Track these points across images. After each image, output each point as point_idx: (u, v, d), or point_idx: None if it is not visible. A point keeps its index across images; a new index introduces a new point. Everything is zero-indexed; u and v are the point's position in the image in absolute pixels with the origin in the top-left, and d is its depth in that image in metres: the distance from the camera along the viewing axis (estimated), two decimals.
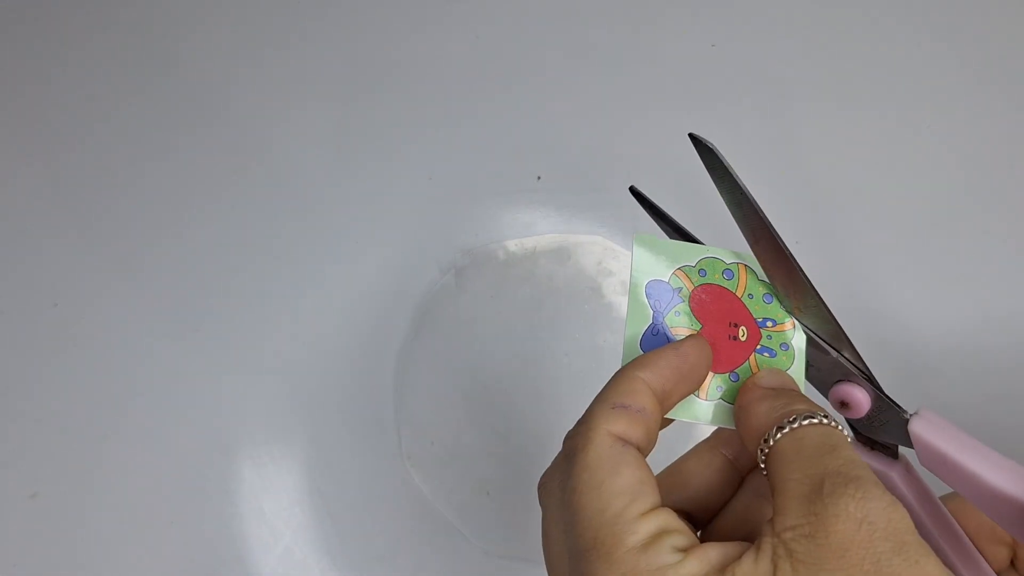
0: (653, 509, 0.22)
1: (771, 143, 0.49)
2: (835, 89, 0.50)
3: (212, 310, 0.46)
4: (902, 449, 0.27)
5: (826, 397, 0.28)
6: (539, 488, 0.26)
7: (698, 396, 0.27)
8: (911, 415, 0.26)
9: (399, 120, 0.49)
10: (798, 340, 0.28)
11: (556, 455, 0.25)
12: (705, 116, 0.49)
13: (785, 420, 0.23)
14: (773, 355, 0.28)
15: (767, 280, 0.28)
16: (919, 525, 0.27)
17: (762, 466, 0.23)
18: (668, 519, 0.22)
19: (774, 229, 0.26)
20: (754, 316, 0.28)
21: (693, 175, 0.49)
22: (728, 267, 0.28)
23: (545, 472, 0.25)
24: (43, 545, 0.43)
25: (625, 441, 0.23)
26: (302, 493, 0.44)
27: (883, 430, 0.27)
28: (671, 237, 0.30)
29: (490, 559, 0.42)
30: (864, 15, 0.51)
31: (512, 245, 0.46)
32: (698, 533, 0.27)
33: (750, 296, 0.28)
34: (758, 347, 0.27)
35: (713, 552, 0.21)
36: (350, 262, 0.47)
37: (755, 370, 0.27)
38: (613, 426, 0.23)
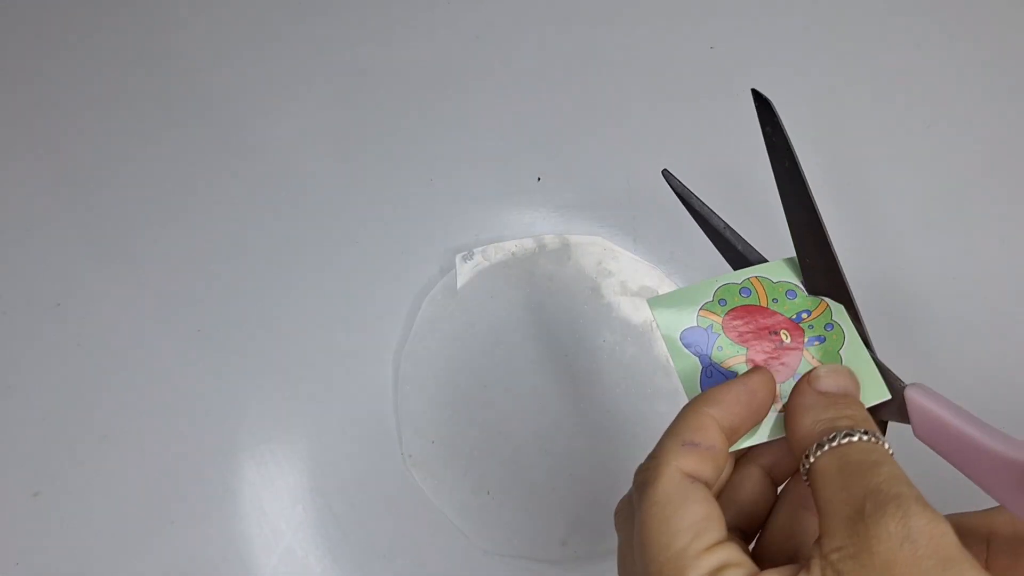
0: (717, 544, 0.22)
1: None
2: (835, 90, 0.49)
3: (213, 310, 0.46)
4: (893, 428, 0.28)
5: None
6: (615, 516, 0.27)
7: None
8: (907, 385, 0.26)
9: (400, 121, 0.49)
10: (838, 315, 0.28)
11: (630, 488, 0.26)
12: (705, 116, 0.49)
13: (825, 437, 0.23)
14: (823, 340, 0.28)
15: (785, 279, 0.28)
16: None
17: (804, 477, 0.24)
18: (730, 554, 0.22)
19: (814, 200, 0.26)
20: (788, 316, 0.28)
21: (692, 175, 0.50)
22: (742, 286, 0.28)
23: (620, 501, 0.26)
24: (45, 544, 0.43)
25: (694, 478, 0.24)
26: (303, 492, 0.44)
27: (880, 404, 0.27)
28: (702, 224, 0.30)
29: (490, 559, 0.42)
30: (864, 16, 0.50)
31: (512, 245, 0.46)
32: (750, 546, 0.28)
33: (775, 301, 0.28)
34: (806, 341, 0.28)
35: None
36: (350, 262, 0.47)
37: (813, 363, 0.27)
38: (683, 463, 0.24)
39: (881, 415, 0.27)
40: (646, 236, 0.46)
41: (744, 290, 0.29)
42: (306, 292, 0.47)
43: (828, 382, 0.26)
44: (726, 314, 0.28)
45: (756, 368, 0.27)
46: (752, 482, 0.27)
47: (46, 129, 0.50)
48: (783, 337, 0.28)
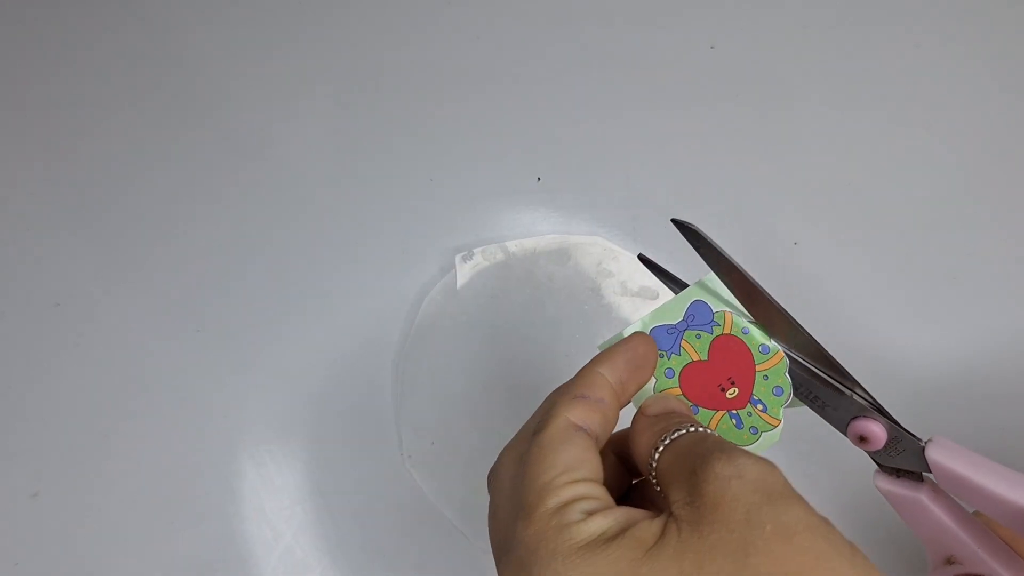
0: (581, 480, 0.24)
1: (771, 143, 0.49)
2: (834, 90, 0.49)
3: (213, 310, 0.46)
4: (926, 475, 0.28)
5: (845, 434, 0.29)
6: (488, 479, 0.29)
7: (654, 393, 0.30)
8: (926, 442, 0.27)
9: (400, 122, 0.49)
10: (770, 436, 0.29)
11: (515, 435, 0.28)
12: (705, 117, 0.49)
13: (659, 439, 0.25)
14: (779, 393, 0.29)
15: (794, 375, 0.29)
16: (960, 542, 0.28)
17: (655, 484, 0.25)
18: (590, 488, 0.24)
19: (765, 290, 0.28)
20: (753, 391, 0.29)
21: (692, 175, 0.50)
22: (768, 345, 0.29)
23: (502, 451, 0.28)
24: (44, 544, 0.43)
25: (579, 427, 0.26)
26: (303, 493, 0.44)
27: (902, 458, 0.28)
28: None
29: (490, 559, 0.42)
30: (864, 17, 0.51)
31: (512, 246, 0.46)
32: None
33: (765, 377, 0.29)
34: (733, 411, 0.30)
35: (618, 514, 0.23)
36: (351, 262, 0.47)
37: (715, 424, 0.30)
38: (572, 413, 0.26)
39: (909, 466, 0.28)
40: (646, 236, 0.46)
41: (764, 347, 0.29)
42: (306, 292, 0.46)
43: (655, 407, 0.28)
44: (734, 334, 0.30)
45: (638, 333, 0.30)
46: (608, 463, 0.29)
47: (46, 130, 0.50)
48: (731, 391, 0.30)
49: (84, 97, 0.50)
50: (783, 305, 0.28)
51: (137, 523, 0.43)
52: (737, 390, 0.29)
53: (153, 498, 0.43)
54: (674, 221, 0.28)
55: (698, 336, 0.30)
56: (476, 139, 0.49)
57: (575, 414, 0.26)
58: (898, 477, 0.29)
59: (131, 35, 0.51)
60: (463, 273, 0.46)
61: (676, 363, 0.30)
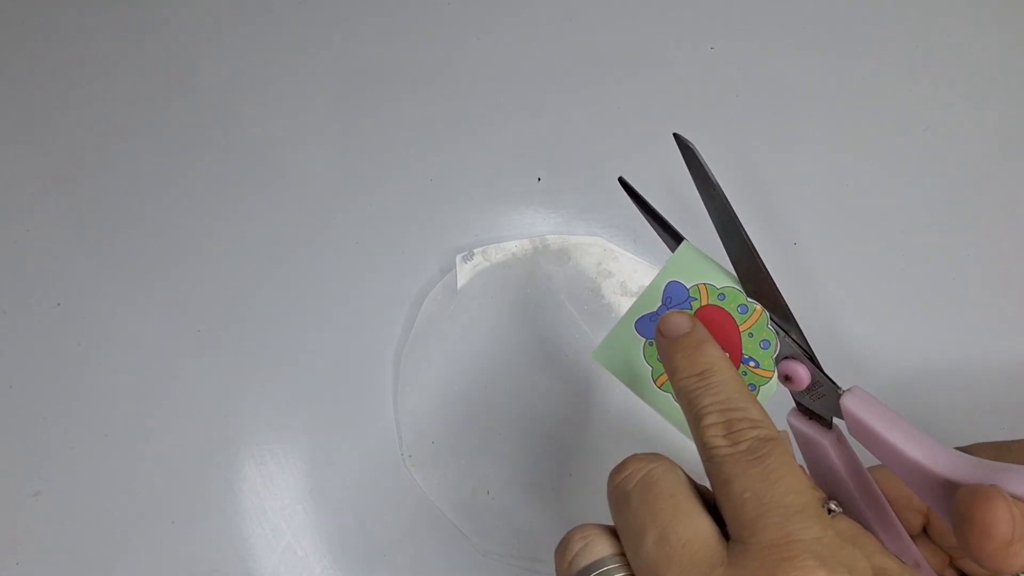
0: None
1: (770, 143, 0.49)
2: (834, 91, 0.50)
3: (213, 310, 0.46)
4: (836, 421, 0.30)
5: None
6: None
7: (655, 382, 0.31)
8: (844, 391, 0.28)
9: (400, 122, 0.49)
10: (767, 388, 0.30)
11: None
12: (704, 117, 0.49)
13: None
14: (766, 346, 0.30)
15: (774, 329, 0.30)
16: (845, 491, 0.29)
17: None
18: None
19: (740, 222, 0.29)
20: (743, 351, 0.30)
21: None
22: (746, 303, 0.30)
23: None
24: (46, 543, 0.43)
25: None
26: (303, 492, 0.44)
27: (820, 403, 0.30)
28: (654, 228, 0.32)
29: (490, 559, 0.42)
30: (864, 17, 0.51)
31: (512, 246, 0.46)
32: None
33: (750, 335, 0.30)
34: (743, 359, 0.30)
35: None
36: (351, 263, 0.47)
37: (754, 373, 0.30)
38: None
39: (824, 411, 0.29)
40: (646, 236, 0.46)
41: (743, 307, 0.30)
42: (306, 292, 0.47)
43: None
44: (712, 304, 0.30)
45: (659, 322, 0.29)
46: None
47: (46, 129, 0.50)
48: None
49: (85, 98, 0.50)
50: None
51: (138, 522, 0.43)
52: (728, 355, 0.30)
53: (154, 497, 0.43)
54: (676, 136, 0.29)
55: None
56: (476, 139, 0.49)
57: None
58: (809, 419, 0.30)
59: (131, 32, 0.51)
60: (463, 273, 0.46)
61: None
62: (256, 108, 0.50)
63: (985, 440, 0.33)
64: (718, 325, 0.30)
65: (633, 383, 0.31)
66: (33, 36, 0.52)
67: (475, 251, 0.46)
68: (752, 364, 0.30)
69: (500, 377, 0.44)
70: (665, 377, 0.31)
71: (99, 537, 0.43)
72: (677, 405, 0.30)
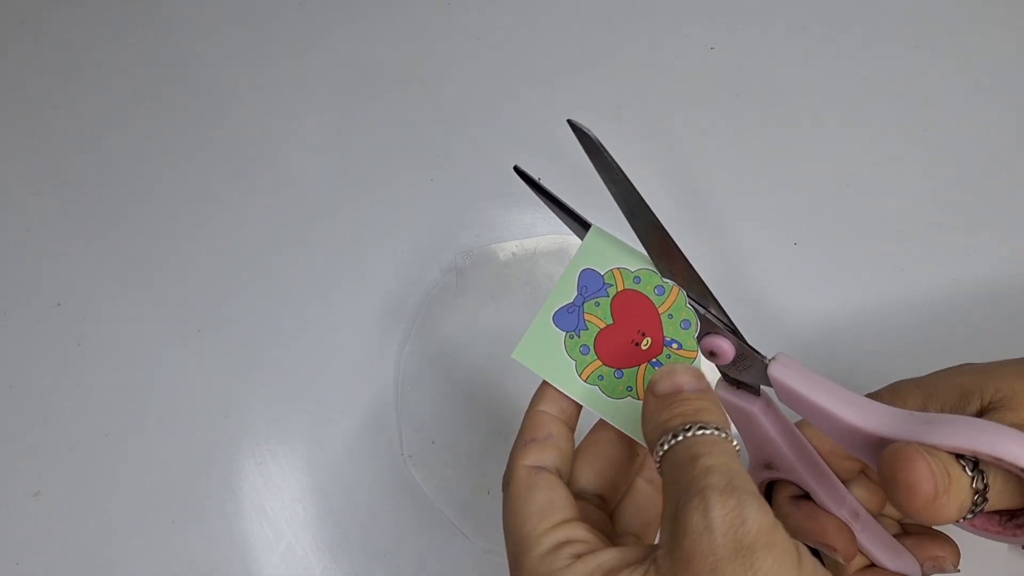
0: (561, 523, 0.26)
1: (770, 143, 0.49)
2: (834, 91, 0.50)
3: (214, 310, 0.46)
4: (766, 388, 0.30)
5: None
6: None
7: (580, 375, 0.30)
8: (769, 360, 0.29)
9: (400, 122, 0.49)
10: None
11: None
12: (704, 117, 0.49)
13: (658, 444, 0.26)
14: (687, 326, 0.30)
15: (695, 308, 0.30)
16: (780, 454, 0.30)
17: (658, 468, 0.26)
18: (573, 531, 0.25)
19: (647, 204, 0.29)
20: (664, 333, 0.30)
21: (691, 175, 0.50)
22: (662, 284, 0.30)
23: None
24: (46, 543, 0.43)
25: (539, 468, 0.28)
26: (304, 492, 0.44)
27: (748, 373, 0.30)
28: (555, 213, 0.32)
29: (490, 559, 0.42)
30: (864, 18, 0.51)
31: (512, 246, 0.46)
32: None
33: (670, 316, 0.30)
34: (653, 360, 0.30)
35: (605, 556, 0.24)
36: (352, 263, 0.47)
37: (641, 378, 0.30)
38: (527, 458, 0.28)
39: (751, 380, 0.30)
40: None
41: (660, 288, 0.30)
42: (306, 292, 0.47)
43: (662, 385, 0.28)
44: (629, 289, 0.30)
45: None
46: (615, 445, 0.31)
47: (46, 130, 0.50)
48: (644, 342, 0.30)
49: (86, 98, 0.50)
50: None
51: (138, 522, 0.43)
52: (650, 339, 0.30)
53: (154, 497, 0.43)
54: (570, 123, 0.29)
55: (597, 304, 0.31)
56: (475, 140, 0.49)
57: (530, 458, 0.28)
58: (737, 388, 0.30)
59: (131, 33, 0.51)
60: (463, 273, 0.46)
61: (587, 337, 0.31)
62: (257, 109, 0.50)
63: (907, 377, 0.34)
64: (636, 310, 0.30)
65: (557, 379, 0.31)
66: (33, 36, 0.52)
67: (475, 251, 0.46)
68: (675, 346, 0.30)
69: (500, 377, 0.44)
70: (590, 369, 0.31)
71: (99, 537, 0.43)
72: (605, 397, 0.30)
